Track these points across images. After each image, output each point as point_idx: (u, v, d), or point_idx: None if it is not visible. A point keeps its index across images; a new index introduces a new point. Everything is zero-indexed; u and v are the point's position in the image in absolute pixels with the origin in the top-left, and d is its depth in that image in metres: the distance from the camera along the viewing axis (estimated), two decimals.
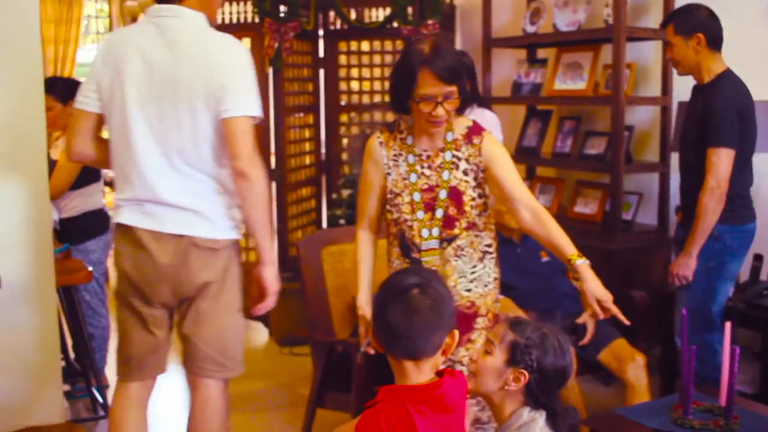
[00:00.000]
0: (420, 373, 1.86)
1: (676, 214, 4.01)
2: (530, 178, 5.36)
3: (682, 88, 3.60)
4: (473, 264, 2.76)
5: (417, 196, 2.74)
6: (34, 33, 3.16)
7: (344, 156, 5.71)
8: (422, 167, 2.75)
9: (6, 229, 3.14)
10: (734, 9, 3.64)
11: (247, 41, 5.28)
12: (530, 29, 5.13)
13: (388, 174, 2.79)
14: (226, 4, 5.38)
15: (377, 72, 5.83)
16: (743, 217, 3.42)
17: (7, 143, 3.12)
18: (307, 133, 5.77)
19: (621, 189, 4.43)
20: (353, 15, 5.62)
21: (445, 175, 2.73)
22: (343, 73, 5.81)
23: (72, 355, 4.35)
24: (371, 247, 2.89)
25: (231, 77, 2.61)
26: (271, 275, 2.75)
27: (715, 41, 3.38)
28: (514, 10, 5.63)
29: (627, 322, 2.63)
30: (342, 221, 5.34)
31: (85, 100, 2.72)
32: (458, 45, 5.97)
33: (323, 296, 3.69)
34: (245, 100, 2.62)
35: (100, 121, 2.75)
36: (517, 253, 3.73)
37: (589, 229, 4.64)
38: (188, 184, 2.66)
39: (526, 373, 2.02)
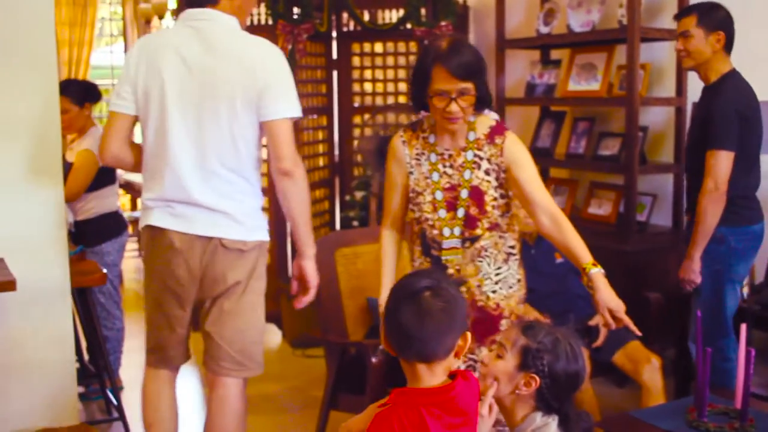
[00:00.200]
0: (433, 375, 1.85)
1: (685, 215, 4.00)
2: (544, 179, 5.32)
3: (697, 88, 3.58)
4: (498, 266, 2.76)
5: (439, 195, 2.74)
6: (50, 36, 3.18)
7: (358, 157, 5.72)
8: (444, 166, 2.75)
9: (22, 231, 3.16)
10: (740, 8, 3.62)
11: None
12: (544, 30, 5.11)
13: (411, 173, 2.80)
14: None
15: (390, 73, 5.84)
16: (748, 218, 3.40)
17: (23, 146, 3.15)
18: (320, 135, 5.77)
19: (635, 190, 4.41)
20: (366, 16, 5.62)
21: (467, 174, 2.72)
22: (356, 74, 5.82)
23: (86, 356, 4.37)
24: (395, 246, 2.91)
25: (272, 80, 2.69)
26: (312, 269, 2.87)
27: (730, 43, 3.37)
28: (527, 11, 5.62)
29: (638, 333, 2.62)
30: (355, 223, 5.35)
31: (122, 102, 2.76)
32: None
33: (337, 298, 3.69)
34: (287, 102, 2.73)
35: (135, 123, 2.80)
36: (531, 254, 3.72)
37: (603, 231, 4.62)
38: (220, 185, 2.72)
39: (538, 378, 2.01)
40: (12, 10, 3.08)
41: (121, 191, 6.92)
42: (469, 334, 1.91)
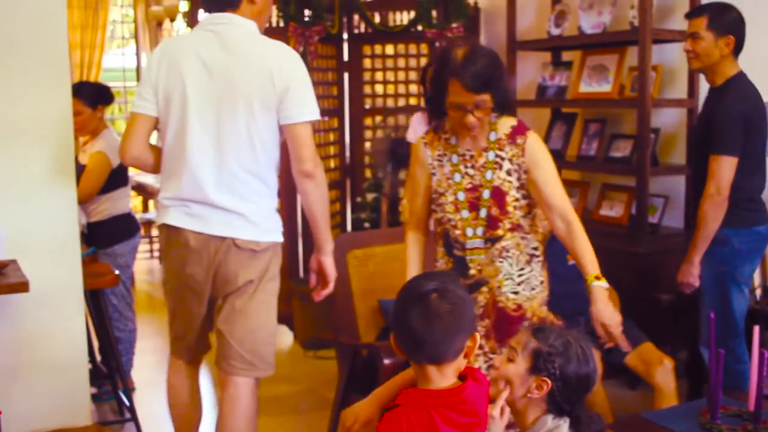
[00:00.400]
0: (443, 377, 1.86)
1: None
2: None
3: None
4: (521, 266, 2.76)
5: (462, 196, 2.75)
6: (62, 39, 3.19)
7: (368, 159, 5.72)
8: (466, 167, 2.76)
9: (35, 233, 3.18)
10: (750, 8, 3.60)
11: None
12: (555, 32, 5.11)
13: (433, 174, 2.81)
14: None
15: (402, 75, 5.84)
16: (752, 220, 3.39)
17: (36, 148, 3.16)
18: (331, 137, 5.78)
19: (647, 192, 4.40)
20: (377, 18, 5.63)
21: (489, 174, 2.73)
22: (367, 76, 5.82)
23: (98, 357, 4.39)
24: (419, 247, 2.94)
25: (293, 83, 2.74)
26: (331, 263, 2.98)
27: (739, 46, 3.36)
28: (538, 13, 5.61)
29: (628, 349, 2.62)
30: (367, 225, 5.35)
31: (144, 104, 2.82)
32: None
33: (348, 299, 3.69)
34: (307, 105, 2.77)
35: (155, 124, 2.85)
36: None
37: (614, 233, 4.61)
38: (236, 186, 2.76)
39: (549, 381, 2.01)
40: (25, 13, 3.10)
41: (133, 193, 6.94)
42: (477, 335, 1.91)
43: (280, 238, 2.91)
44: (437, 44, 5.19)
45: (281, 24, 5.32)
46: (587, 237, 2.71)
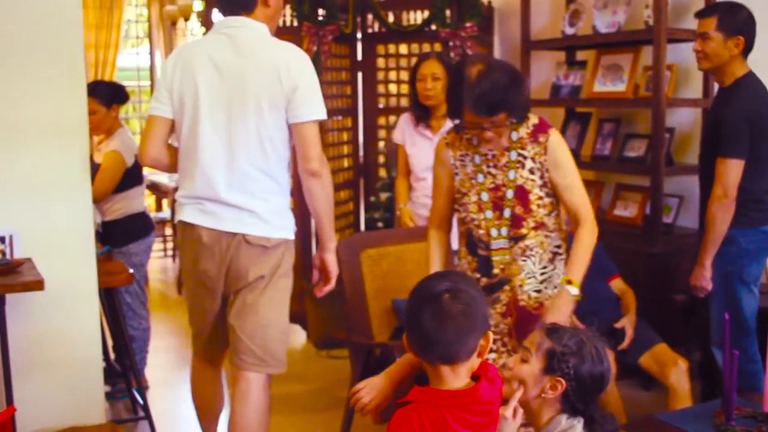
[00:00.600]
0: (457, 377, 1.86)
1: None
2: None
3: None
4: (543, 265, 2.77)
5: (485, 196, 2.76)
6: (77, 38, 3.21)
7: (382, 159, 5.72)
8: (488, 167, 2.77)
9: (50, 231, 3.19)
10: (762, 7, 3.58)
11: None
12: (569, 31, 5.09)
13: (456, 174, 2.83)
14: None
15: None
16: (760, 220, 3.39)
17: (51, 147, 3.18)
18: (345, 136, 5.78)
19: (661, 192, 4.39)
20: (391, 18, 5.62)
21: (511, 174, 2.74)
22: (381, 76, 5.81)
23: (112, 356, 4.41)
24: (442, 247, 2.96)
25: (301, 83, 2.79)
26: (333, 260, 3.04)
27: (749, 47, 3.35)
28: (552, 12, 5.60)
29: None
30: (380, 224, 5.35)
31: (161, 106, 2.89)
32: (496, 47, 5.94)
33: (362, 299, 3.69)
34: (314, 105, 2.83)
35: (172, 126, 2.92)
36: None
37: (629, 233, 4.60)
38: (247, 184, 2.82)
39: (563, 381, 2.00)
40: (40, 13, 3.11)
41: (147, 192, 6.96)
42: (491, 334, 1.91)
43: (292, 236, 2.94)
44: (451, 44, 5.18)
45: (295, 23, 5.33)
46: (592, 241, 2.73)
